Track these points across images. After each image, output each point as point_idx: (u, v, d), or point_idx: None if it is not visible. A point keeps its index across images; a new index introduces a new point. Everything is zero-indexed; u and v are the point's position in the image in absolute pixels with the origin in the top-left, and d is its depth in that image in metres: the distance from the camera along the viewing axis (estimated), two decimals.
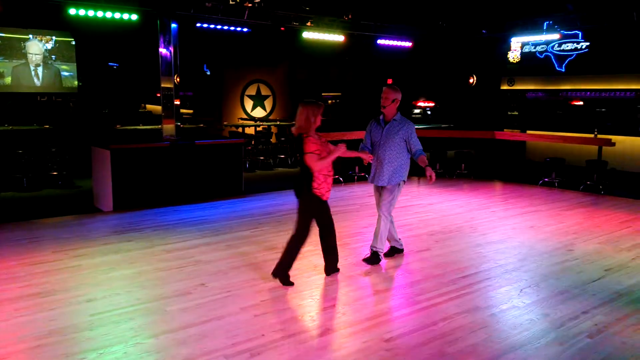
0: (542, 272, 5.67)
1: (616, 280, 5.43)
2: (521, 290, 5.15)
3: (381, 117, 5.80)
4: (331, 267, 5.50)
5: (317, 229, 5.30)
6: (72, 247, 6.37)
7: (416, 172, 10.41)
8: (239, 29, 12.10)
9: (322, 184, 5.11)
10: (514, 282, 5.35)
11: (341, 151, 5.14)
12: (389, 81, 17.20)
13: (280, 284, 5.19)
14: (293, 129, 5.17)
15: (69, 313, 4.51)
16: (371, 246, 5.88)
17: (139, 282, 5.24)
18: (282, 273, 5.25)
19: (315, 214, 5.21)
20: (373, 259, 5.85)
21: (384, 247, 5.86)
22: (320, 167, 5.03)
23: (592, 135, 10.98)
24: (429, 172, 5.49)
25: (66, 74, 14.76)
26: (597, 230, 7.43)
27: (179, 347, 3.91)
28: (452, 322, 4.38)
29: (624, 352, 3.91)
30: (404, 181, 5.78)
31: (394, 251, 6.14)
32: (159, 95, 9.92)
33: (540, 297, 4.97)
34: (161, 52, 9.57)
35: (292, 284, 5.21)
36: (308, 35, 12.59)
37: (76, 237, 6.83)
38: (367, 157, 5.63)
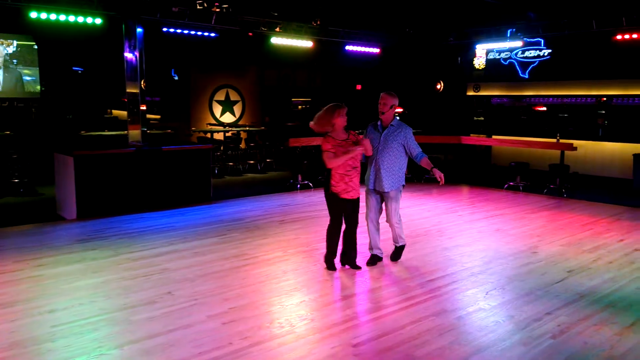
0: (507, 274, 5.78)
1: (578, 281, 5.57)
2: (487, 292, 5.23)
3: (379, 122, 5.88)
4: (346, 259, 5.84)
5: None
6: (33, 257, 6.19)
7: None
8: (206, 33, 11.98)
9: (339, 183, 5.45)
10: (480, 285, 5.43)
11: (356, 152, 5.42)
12: (358, 87, 17.35)
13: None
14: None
15: (30, 324, 4.38)
16: (394, 244, 6.16)
17: (104, 292, 5.13)
18: (327, 260, 5.79)
19: (333, 209, 5.58)
20: (397, 254, 6.17)
21: (404, 240, 6.18)
22: (332, 165, 5.40)
23: (554, 140, 11.26)
24: (438, 173, 5.62)
25: (28, 78, 14.35)
26: (560, 232, 7.61)
27: (145, 357, 3.84)
28: (420, 326, 4.41)
29: (585, 352, 4.01)
30: (403, 185, 5.91)
31: (376, 259, 6.06)
32: (125, 100, 9.74)
33: (505, 299, 5.06)
34: (126, 57, 9.41)
35: (335, 268, 5.75)
36: (276, 40, 12.57)
37: (38, 246, 6.64)
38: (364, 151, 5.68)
